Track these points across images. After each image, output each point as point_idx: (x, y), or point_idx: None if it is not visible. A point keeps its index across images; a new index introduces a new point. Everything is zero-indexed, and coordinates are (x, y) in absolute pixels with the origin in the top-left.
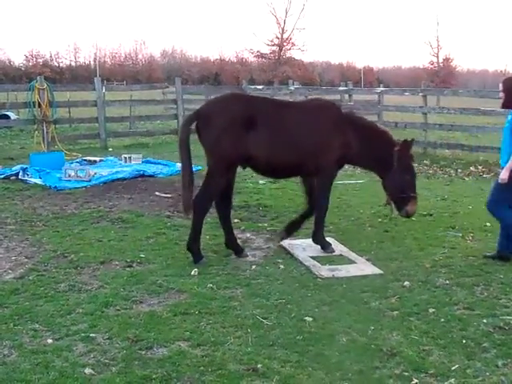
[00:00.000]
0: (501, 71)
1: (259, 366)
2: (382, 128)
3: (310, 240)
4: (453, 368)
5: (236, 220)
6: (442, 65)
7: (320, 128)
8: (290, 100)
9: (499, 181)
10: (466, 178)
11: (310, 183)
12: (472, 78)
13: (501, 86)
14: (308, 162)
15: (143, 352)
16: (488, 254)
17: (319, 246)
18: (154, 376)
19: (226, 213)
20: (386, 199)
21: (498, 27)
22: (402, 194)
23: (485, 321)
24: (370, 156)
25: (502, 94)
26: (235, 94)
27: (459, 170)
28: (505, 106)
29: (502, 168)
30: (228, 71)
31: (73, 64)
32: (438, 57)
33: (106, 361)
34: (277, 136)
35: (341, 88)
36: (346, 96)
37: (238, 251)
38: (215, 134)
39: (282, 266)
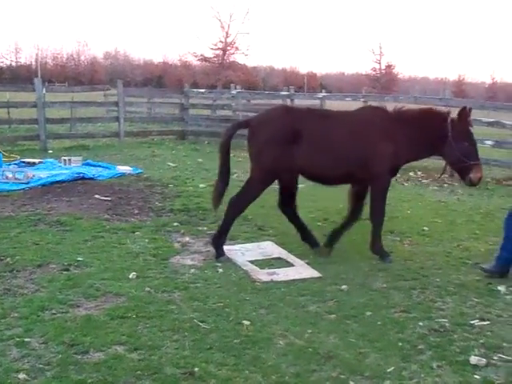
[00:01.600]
0: (441, 79)
1: (196, 369)
2: (427, 110)
3: (249, 245)
4: (389, 370)
5: (175, 223)
6: (384, 71)
7: (368, 138)
8: (339, 110)
9: None
10: (406, 184)
11: (358, 192)
12: (413, 85)
13: None
14: (358, 173)
15: (79, 356)
16: (485, 266)
17: (259, 251)
18: (89, 381)
19: (294, 213)
20: (444, 167)
21: (440, 36)
22: (462, 162)
23: (421, 323)
24: (427, 146)
25: None
26: (284, 106)
27: (398, 175)
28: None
29: None
30: (171, 74)
31: (13, 64)
32: (380, 64)
33: (41, 366)
34: (322, 148)
35: (283, 93)
36: (288, 101)
37: (315, 244)
38: (259, 146)
39: (220, 270)
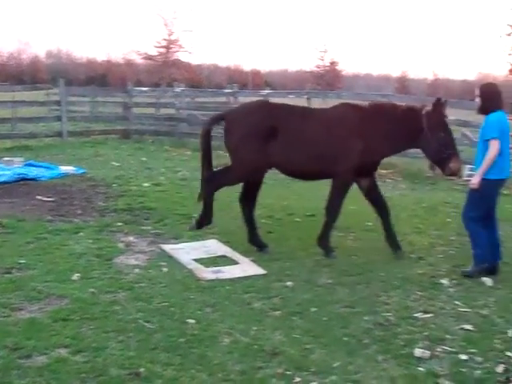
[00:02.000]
0: (384, 75)
1: (142, 370)
2: (401, 106)
3: (194, 243)
4: (334, 365)
5: (119, 223)
6: (327, 68)
7: (338, 135)
8: (314, 107)
9: (470, 186)
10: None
11: (367, 185)
12: (357, 81)
13: (477, 91)
14: (330, 169)
15: (22, 360)
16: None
17: (203, 249)
18: None
19: (251, 214)
20: (430, 164)
21: (383, 33)
22: (440, 153)
23: (365, 318)
24: (403, 140)
25: (477, 100)
26: (261, 101)
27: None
28: (480, 111)
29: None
30: (115, 73)
31: None
32: (324, 60)
33: None
34: (297, 144)
35: (226, 90)
36: (232, 98)
37: (261, 247)
38: (235, 141)
39: (165, 269)
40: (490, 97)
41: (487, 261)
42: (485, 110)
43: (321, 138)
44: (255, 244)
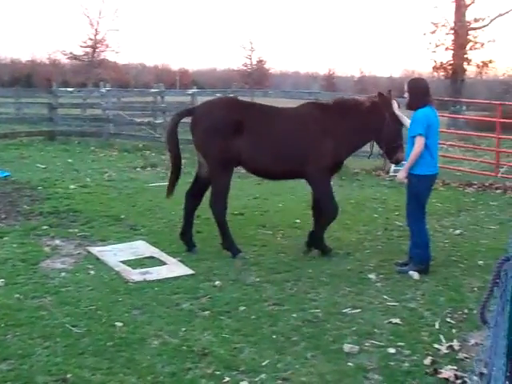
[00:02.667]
0: (312, 73)
1: (69, 375)
2: (363, 100)
3: (121, 245)
4: (263, 363)
5: (45, 226)
6: (255, 67)
7: (309, 135)
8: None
9: (396, 179)
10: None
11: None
12: (285, 80)
13: (405, 86)
14: (298, 169)
15: None
16: (400, 261)
17: (131, 251)
18: None
19: (192, 210)
20: (382, 153)
21: (310, 30)
22: (393, 143)
23: (294, 315)
24: (368, 133)
25: (406, 95)
26: (227, 98)
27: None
28: (409, 106)
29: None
30: (40, 73)
31: None
32: (251, 59)
33: None
34: (263, 142)
35: (153, 90)
36: (159, 98)
37: (190, 246)
38: (202, 136)
39: (92, 272)
40: (417, 92)
41: (425, 262)
42: (412, 105)
43: (290, 138)
44: (184, 240)
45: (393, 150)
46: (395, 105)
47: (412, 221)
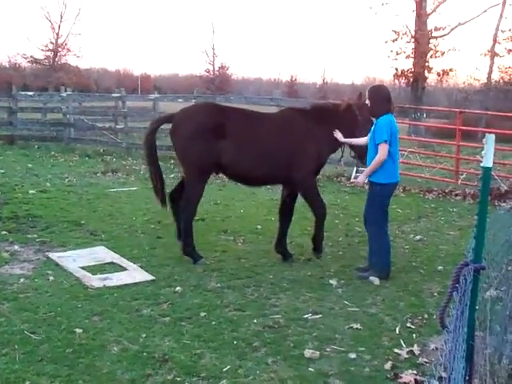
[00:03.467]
0: (274, 79)
1: (27, 383)
2: (339, 104)
3: (81, 250)
4: (224, 369)
5: (4, 232)
6: (217, 72)
7: (293, 140)
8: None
9: (352, 180)
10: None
11: (287, 193)
12: (247, 86)
13: (367, 94)
14: (281, 174)
15: None
16: (361, 266)
17: (91, 256)
18: None
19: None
20: (354, 155)
21: (272, 37)
22: (366, 145)
23: (255, 321)
24: (345, 136)
25: (367, 102)
26: (207, 103)
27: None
28: (371, 114)
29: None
30: (0, 76)
31: None
32: (213, 65)
33: None
34: (245, 147)
35: (114, 95)
36: (120, 103)
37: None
38: (183, 141)
39: (51, 278)
40: (379, 100)
41: (385, 268)
42: (375, 113)
43: (274, 143)
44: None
45: (365, 152)
46: (338, 134)
47: (373, 228)
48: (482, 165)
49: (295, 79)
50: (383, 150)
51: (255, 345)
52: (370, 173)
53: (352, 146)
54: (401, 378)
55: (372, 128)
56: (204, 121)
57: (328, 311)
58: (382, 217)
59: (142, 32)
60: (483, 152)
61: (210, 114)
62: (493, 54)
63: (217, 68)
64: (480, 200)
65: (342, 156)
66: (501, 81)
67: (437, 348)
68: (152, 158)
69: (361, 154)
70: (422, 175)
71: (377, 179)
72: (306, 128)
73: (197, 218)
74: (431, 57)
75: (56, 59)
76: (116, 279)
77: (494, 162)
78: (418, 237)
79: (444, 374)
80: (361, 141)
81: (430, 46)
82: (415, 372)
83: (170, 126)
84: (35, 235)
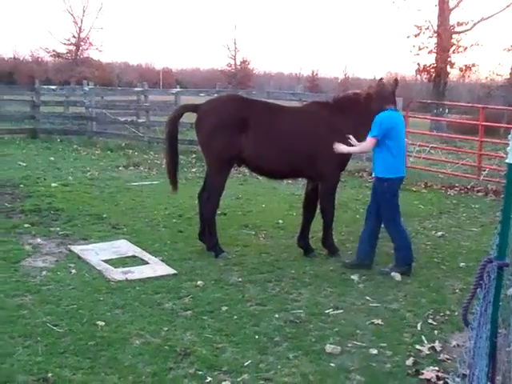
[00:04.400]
0: (295, 74)
1: (50, 375)
2: (361, 94)
3: (103, 244)
4: (246, 364)
5: (26, 225)
6: (239, 67)
7: (318, 135)
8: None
9: (335, 149)
10: (260, 177)
11: (311, 187)
12: (268, 80)
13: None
14: (305, 169)
15: None
16: (347, 261)
17: (113, 250)
18: None
19: None
20: None
21: (293, 31)
22: None
23: (276, 315)
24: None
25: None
26: (232, 95)
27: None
28: (372, 109)
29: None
30: (23, 71)
31: None
32: (235, 59)
33: None
34: (269, 140)
35: (136, 89)
36: (143, 97)
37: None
38: (206, 133)
39: (73, 271)
40: (380, 96)
41: (407, 263)
42: (375, 107)
43: (298, 136)
44: (202, 240)
45: None
46: (340, 146)
47: (391, 225)
48: (506, 161)
49: (316, 74)
50: (367, 144)
51: (276, 339)
52: (351, 151)
53: None
54: (422, 374)
55: None
56: (228, 113)
57: (349, 306)
58: (396, 213)
59: (163, 26)
60: (508, 148)
61: (234, 107)
62: None
63: (238, 62)
64: (505, 196)
65: None
66: None
67: (458, 345)
68: (172, 143)
69: None
70: (444, 171)
71: (381, 174)
72: (331, 121)
73: (218, 212)
74: (453, 52)
75: (78, 53)
76: (138, 273)
77: None
78: (439, 233)
79: (467, 371)
80: (357, 148)
81: (452, 41)
82: (437, 368)
83: (192, 119)
84: (57, 228)
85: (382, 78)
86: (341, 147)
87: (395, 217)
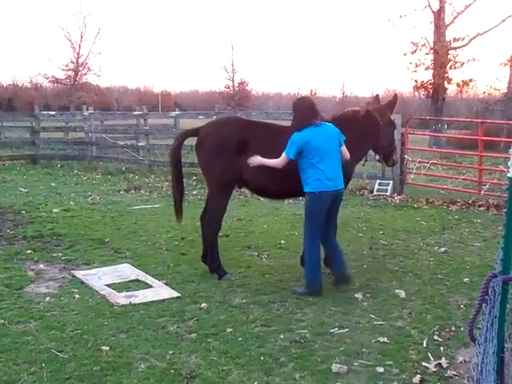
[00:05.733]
0: (294, 94)
1: None
2: (357, 111)
3: (106, 268)
4: None
5: (29, 251)
6: (237, 88)
7: None
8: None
9: (249, 161)
10: (261, 198)
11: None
12: (267, 101)
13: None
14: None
15: None
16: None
17: (116, 274)
18: None
19: None
20: (378, 157)
21: (291, 52)
22: (389, 147)
23: (281, 336)
24: (369, 143)
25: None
26: (232, 117)
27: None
28: (294, 126)
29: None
30: (22, 97)
31: None
32: (233, 81)
33: None
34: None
35: (136, 112)
36: (142, 120)
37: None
38: (207, 156)
39: (77, 296)
40: (300, 112)
41: (312, 283)
42: (296, 125)
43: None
44: (206, 262)
45: (389, 153)
46: (253, 159)
47: (306, 238)
48: (508, 175)
49: (315, 93)
50: (280, 160)
51: (282, 360)
52: (263, 162)
53: (376, 150)
54: None
55: None
56: (228, 136)
57: (354, 325)
58: (313, 228)
59: (161, 49)
60: (509, 162)
61: (234, 129)
62: None
63: (236, 84)
64: (507, 211)
65: (365, 160)
66: None
67: (465, 361)
68: (177, 171)
69: (385, 157)
70: (445, 187)
71: (304, 187)
72: None
73: (220, 234)
74: (451, 68)
75: (77, 78)
76: (141, 296)
77: None
78: (442, 249)
79: None
80: (270, 162)
81: (449, 56)
82: None
83: (192, 141)
84: (60, 254)
85: (378, 95)
86: (255, 159)
87: (312, 233)
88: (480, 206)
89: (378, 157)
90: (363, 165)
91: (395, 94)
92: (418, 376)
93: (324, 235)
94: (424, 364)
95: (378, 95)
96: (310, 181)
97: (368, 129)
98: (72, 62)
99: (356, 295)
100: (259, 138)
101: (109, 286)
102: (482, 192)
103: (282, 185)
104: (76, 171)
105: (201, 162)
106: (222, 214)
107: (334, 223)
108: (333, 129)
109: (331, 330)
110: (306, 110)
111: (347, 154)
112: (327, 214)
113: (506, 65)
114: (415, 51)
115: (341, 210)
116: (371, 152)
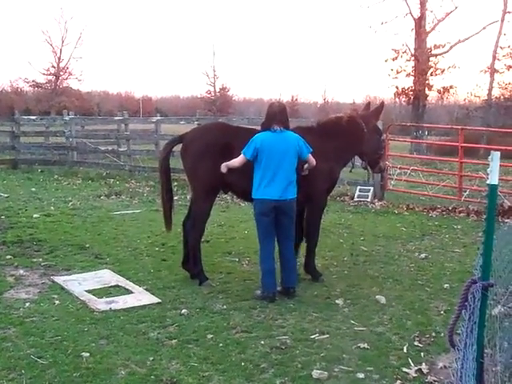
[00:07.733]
0: (275, 99)
1: None
2: (340, 117)
3: (86, 274)
4: None
5: (8, 256)
6: (218, 94)
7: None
8: None
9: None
10: (242, 204)
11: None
12: (248, 107)
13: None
14: None
15: None
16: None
17: (96, 279)
18: None
19: None
20: (363, 164)
21: (272, 58)
22: (375, 154)
23: (262, 342)
24: (352, 149)
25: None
26: (217, 123)
27: (235, 196)
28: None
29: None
30: (2, 101)
31: None
32: (214, 86)
33: None
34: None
35: (117, 118)
36: (123, 126)
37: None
38: (191, 161)
39: (57, 302)
40: (266, 116)
41: (266, 289)
42: (261, 128)
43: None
44: (186, 269)
45: (375, 160)
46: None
47: (259, 245)
48: (487, 182)
49: (296, 99)
50: (238, 159)
51: (263, 366)
52: (229, 165)
53: (362, 156)
54: None
55: None
56: (212, 141)
57: (335, 331)
58: (259, 235)
59: (142, 54)
60: (489, 169)
61: (218, 134)
62: (492, 71)
63: (218, 89)
64: (487, 217)
65: (352, 167)
66: (501, 97)
67: (445, 366)
68: (166, 181)
69: (370, 163)
70: (426, 193)
71: (251, 193)
72: (314, 146)
73: (201, 239)
74: (431, 74)
75: (58, 83)
76: (122, 302)
77: None
78: (422, 255)
79: None
80: (231, 163)
81: (430, 63)
82: None
83: (176, 147)
84: (40, 259)
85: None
86: (223, 165)
87: (260, 240)
88: (460, 212)
89: (364, 163)
90: (350, 171)
91: (382, 102)
92: (399, 382)
93: (280, 245)
94: (404, 370)
95: (369, 103)
96: (254, 186)
97: (351, 135)
98: (53, 66)
99: (337, 301)
100: (243, 142)
101: (89, 291)
102: (462, 198)
103: None
104: (56, 176)
105: (186, 167)
106: (205, 218)
107: (289, 235)
108: (292, 138)
109: (312, 336)
110: (269, 115)
111: (313, 162)
112: (277, 224)
113: (486, 72)
114: (396, 58)
115: (322, 217)
116: (357, 158)
